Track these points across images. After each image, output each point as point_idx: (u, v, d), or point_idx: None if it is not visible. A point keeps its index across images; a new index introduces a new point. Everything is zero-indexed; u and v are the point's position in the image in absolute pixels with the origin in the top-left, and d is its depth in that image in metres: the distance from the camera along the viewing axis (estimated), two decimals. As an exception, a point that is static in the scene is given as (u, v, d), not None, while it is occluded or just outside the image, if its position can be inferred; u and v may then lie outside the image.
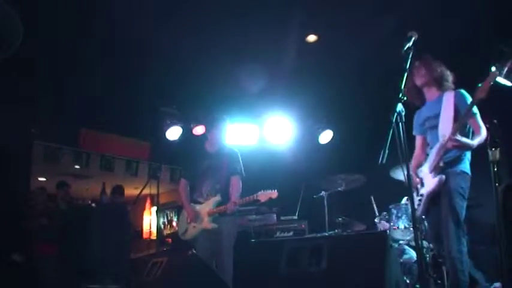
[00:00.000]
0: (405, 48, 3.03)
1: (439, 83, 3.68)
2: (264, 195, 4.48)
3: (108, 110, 6.86)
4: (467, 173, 3.54)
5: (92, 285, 5.18)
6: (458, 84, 3.67)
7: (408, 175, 2.95)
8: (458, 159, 3.52)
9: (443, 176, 3.46)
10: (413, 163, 3.84)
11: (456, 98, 3.55)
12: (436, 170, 3.51)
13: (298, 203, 6.11)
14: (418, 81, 3.74)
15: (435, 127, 3.57)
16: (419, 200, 3.62)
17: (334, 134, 7.13)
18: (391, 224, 4.91)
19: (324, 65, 5.99)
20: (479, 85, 3.20)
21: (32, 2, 4.44)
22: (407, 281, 4.49)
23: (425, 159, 3.71)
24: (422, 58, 3.71)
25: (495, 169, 2.98)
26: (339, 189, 5.63)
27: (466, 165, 3.56)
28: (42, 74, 5.78)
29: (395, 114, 2.94)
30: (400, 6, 4.77)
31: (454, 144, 3.34)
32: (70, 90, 6.24)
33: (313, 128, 7.29)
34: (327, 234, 5.34)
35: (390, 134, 3.07)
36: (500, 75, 5.08)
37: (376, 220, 5.47)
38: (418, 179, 3.67)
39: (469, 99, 3.47)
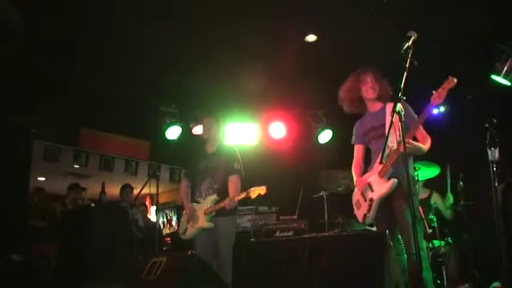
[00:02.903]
0: (404, 47, 3.04)
1: (383, 96, 3.87)
2: (253, 191, 4.48)
3: (107, 109, 6.86)
4: (414, 177, 3.88)
5: (92, 285, 5.18)
6: (457, 85, 3.69)
7: (407, 175, 2.96)
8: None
9: (396, 180, 3.56)
10: (355, 171, 4.01)
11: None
12: (386, 174, 3.62)
13: (297, 202, 6.10)
14: (369, 95, 3.90)
15: (381, 136, 3.69)
16: (369, 206, 3.72)
17: (333, 133, 7.14)
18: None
19: (323, 64, 5.99)
20: (434, 92, 3.34)
21: (32, 1, 4.44)
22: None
23: (369, 166, 3.86)
24: (370, 72, 3.91)
25: (495, 169, 2.99)
26: (339, 189, 5.63)
27: (412, 170, 3.82)
28: (42, 73, 5.78)
29: (395, 113, 2.95)
30: (400, 6, 4.78)
31: (409, 148, 3.40)
32: (70, 89, 6.24)
33: (312, 128, 7.29)
34: (326, 234, 5.34)
35: (389, 134, 3.08)
36: (499, 74, 5.10)
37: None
38: (365, 186, 3.79)
39: (410, 107, 3.67)
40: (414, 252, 3.33)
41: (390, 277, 3.52)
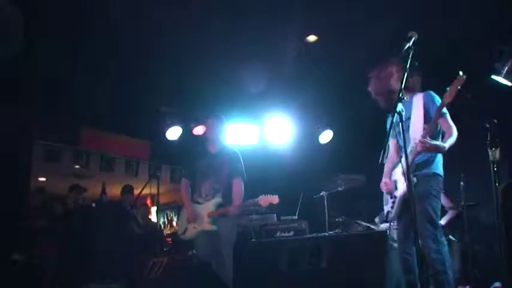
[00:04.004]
0: (405, 48, 3.02)
1: (412, 87, 3.68)
2: (264, 200, 4.44)
3: (108, 109, 6.86)
4: (439, 175, 3.57)
5: (92, 284, 5.18)
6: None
7: (408, 174, 2.95)
8: (429, 161, 3.54)
9: (415, 179, 3.41)
10: (387, 166, 3.87)
11: (425, 99, 3.58)
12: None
13: (298, 203, 6.10)
14: (397, 86, 3.75)
15: (407, 130, 3.53)
16: (393, 203, 3.65)
17: (334, 133, 7.13)
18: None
19: (324, 64, 5.99)
20: (448, 89, 3.21)
21: (33, 1, 4.44)
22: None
23: (399, 161, 3.72)
24: (394, 62, 3.72)
25: (495, 169, 2.99)
26: (339, 189, 5.63)
27: (437, 167, 3.58)
28: (42, 73, 5.78)
29: (395, 113, 2.94)
30: (400, 6, 4.77)
31: (424, 146, 3.33)
32: (70, 89, 6.23)
33: (313, 128, 7.28)
34: (327, 234, 5.34)
35: (390, 134, 3.08)
36: (500, 75, 5.09)
37: (376, 220, 5.46)
38: (391, 185, 3.69)
39: (437, 98, 3.52)
40: (431, 257, 3.31)
41: (391, 277, 3.52)
